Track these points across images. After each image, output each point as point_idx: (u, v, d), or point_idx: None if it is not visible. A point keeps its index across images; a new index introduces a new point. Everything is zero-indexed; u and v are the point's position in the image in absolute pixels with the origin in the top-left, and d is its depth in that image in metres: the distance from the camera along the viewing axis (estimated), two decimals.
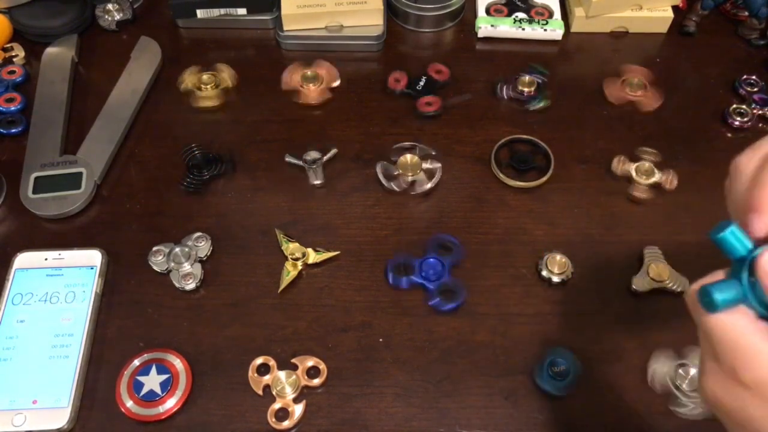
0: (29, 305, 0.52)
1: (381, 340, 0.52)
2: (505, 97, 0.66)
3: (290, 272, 0.55)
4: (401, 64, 0.68)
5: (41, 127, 0.62)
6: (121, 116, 0.63)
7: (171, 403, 0.48)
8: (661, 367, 0.50)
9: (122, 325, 0.53)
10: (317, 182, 0.60)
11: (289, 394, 0.49)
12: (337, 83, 0.67)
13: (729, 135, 0.65)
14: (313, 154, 0.61)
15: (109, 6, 0.71)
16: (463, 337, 0.52)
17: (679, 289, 0.54)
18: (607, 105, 0.66)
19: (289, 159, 0.60)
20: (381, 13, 0.69)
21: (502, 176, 0.60)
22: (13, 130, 0.63)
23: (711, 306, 0.31)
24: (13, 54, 0.68)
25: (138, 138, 0.63)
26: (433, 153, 0.61)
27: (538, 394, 0.50)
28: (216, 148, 0.62)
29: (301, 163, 0.60)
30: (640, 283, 0.54)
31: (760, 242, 0.31)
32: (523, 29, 0.70)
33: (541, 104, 0.65)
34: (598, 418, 0.49)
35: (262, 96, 0.66)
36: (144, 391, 0.48)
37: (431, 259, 0.55)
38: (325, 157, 0.61)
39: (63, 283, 0.53)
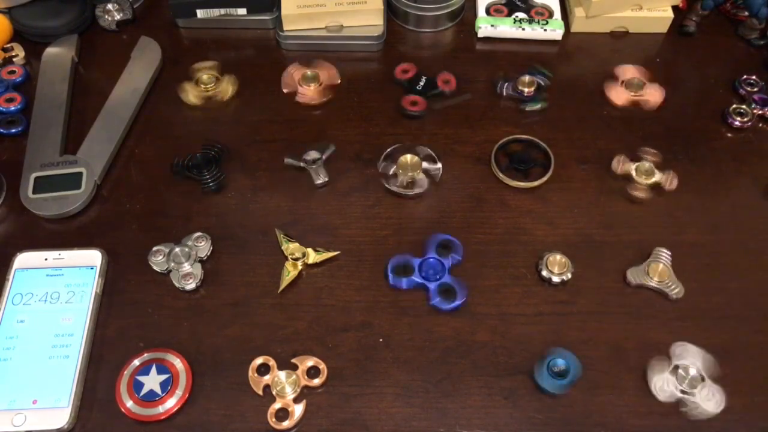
0: (29, 305, 0.52)
1: (381, 340, 0.52)
2: (504, 94, 0.66)
3: (290, 272, 0.55)
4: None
5: (41, 127, 0.62)
6: (121, 116, 0.63)
7: (171, 403, 0.48)
8: (659, 378, 0.50)
9: (122, 325, 0.53)
10: (321, 181, 0.60)
11: (289, 394, 0.49)
12: (337, 83, 0.67)
13: (729, 135, 0.65)
14: (312, 154, 0.61)
15: (109, 6, 0.71)
16: (463, 337, 0.52)
17: (674, 295, 0.54)
18: (607, 105, 0.66)
19: (288, 161, 0.60)
20: (381, 13, 0.69)
21: (502, 176, 0.60)
22: (13, 130, 0.63)
23: None
24: (13, 54, 0.68)
25: (138, 138, 0.63)
26: (433, 153, 0.61)
27: (538, 394, 0.50)
28: (216, 148, 0.62)
29: (301, 164, 0.60)
30: (633, 274, 0.54)
31: None
32: (523, 29, 0.70)
33: (537, 106, 0.65)
34: (598, 418, 0.49)
35: (262, 96, 0.66)
36: (144, 391, 0.48)
37: (431, 259, 0.55)
38: (324, 155, 0.61)
39: (63, 283, 0.53)
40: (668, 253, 0.55)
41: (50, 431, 0.47)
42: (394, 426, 0.48)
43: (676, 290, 0.54)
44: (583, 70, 0.69)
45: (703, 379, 0.49)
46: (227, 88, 0.66)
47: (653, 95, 0.66)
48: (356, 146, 0.63)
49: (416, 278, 0.54)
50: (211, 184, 0.59)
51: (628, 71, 0.67)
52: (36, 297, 0.52)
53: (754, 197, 0.60)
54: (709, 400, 0.49)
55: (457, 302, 0.53)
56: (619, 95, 0.66)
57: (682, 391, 0.49)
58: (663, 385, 0.49)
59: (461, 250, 0.56)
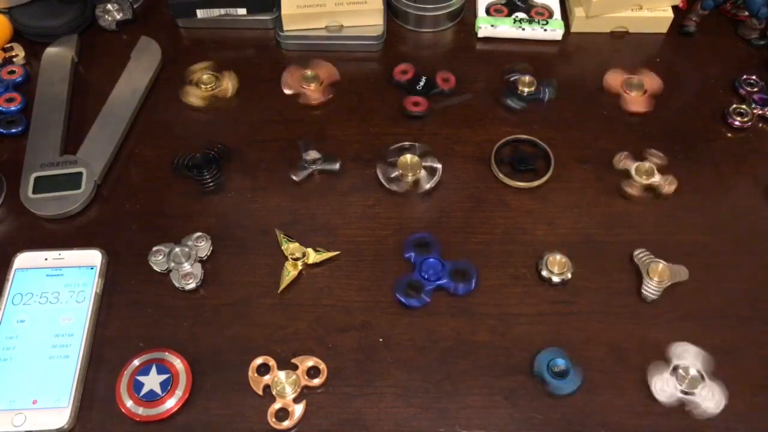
0: (29, 305, 0.52)
1: (381, 340, 0.52)
2: (508, 80, 0.66)
3: (290, 272, 0.55)
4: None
5: (41, 127, 0.62)
6: (121, 116, 0.63)
7: (171, 403, 0.48)
8: (660, 381, 0.50)
9: (122, 325, 0.53)
10: (297, 179, 0.60)
11: (289, 394, 0.49)
12: (337, 83, 0.67)
13: (729, 135, 0.65)
14: (312, 154, 0.61)
15: (109, 6, 0.71)
16: (463, 337, 0.52)
17: (679, 279, 0.54)
18: (607, 105, 0.66)
19: (296, 178, 0.60)
20: (381, 13, 0.69)
21: (502, 176, 0.60)
22: (13, 130, 0.63)
23: None
24: (13, 54, 0.68)
25: (138, 138, 0.63)
26: (433, 153, 0.61)
27: (538, 394, 0.50)
28: (217, 148, 0.62)
29: (311, 168, 0.60)
30: (650, 289, 0.54)
31: None
32: (523, 29, 0.70)
33: (515, 105, 0.65)
34: (598, 418, 0.49)
35: (262, 96, 0.66)
36: (144, 391, 0.48)
37: (431, 259, 0.55)
38: (322, 166, 0.60)
39: (63, 283, 0.53)
40: (647, 252, 0.55)
41: (50, 431, 0.47)
42: (394, 426, 0.48)
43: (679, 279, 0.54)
44: (583, 70, 0.69)
45: (703, 379, 0.49)
46: (228, 84, 0.66)
47: (651, 83, 0.67)
48: (356, 146, 0.63)
49: (430, 287, 0.54)
50: (211, 184, 0.59)
51: (618, 77, 0.68)
52: (36, 297, 0.52)
53: (754, 197, 0.60)
54: (709, 400, 0.49)
55: (473, 281, 0.54)
56: (613, 84, 0.67)
57: (683, 392, 0.49)
58: (663, 385, 0.49)
59: (437, 243, 0.56)
